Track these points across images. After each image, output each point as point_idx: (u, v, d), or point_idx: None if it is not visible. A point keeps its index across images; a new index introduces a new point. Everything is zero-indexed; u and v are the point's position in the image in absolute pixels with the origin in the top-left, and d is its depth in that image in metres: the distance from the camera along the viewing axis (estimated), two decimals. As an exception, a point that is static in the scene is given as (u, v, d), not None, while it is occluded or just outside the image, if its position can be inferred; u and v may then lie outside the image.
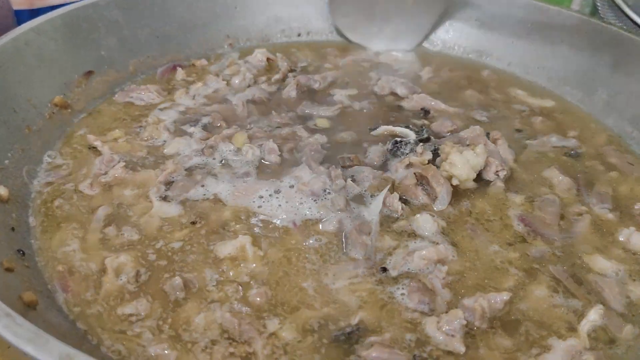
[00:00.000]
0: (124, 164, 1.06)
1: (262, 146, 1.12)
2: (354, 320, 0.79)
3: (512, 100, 1.42)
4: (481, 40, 1.59)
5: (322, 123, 1.26)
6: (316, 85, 1.39)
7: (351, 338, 0.77)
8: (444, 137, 1.19)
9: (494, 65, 1.56)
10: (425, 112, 1.30)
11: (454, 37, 1.62)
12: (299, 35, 1.64)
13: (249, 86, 1.37)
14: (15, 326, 0.56)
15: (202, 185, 1.03)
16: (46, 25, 1.20)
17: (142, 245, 0.91)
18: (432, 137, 1.16)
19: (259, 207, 0.98)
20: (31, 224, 0.95)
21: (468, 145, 1.07)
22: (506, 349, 0.78)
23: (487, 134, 1.16)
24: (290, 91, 1.36)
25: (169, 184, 1.03)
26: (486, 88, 1.45)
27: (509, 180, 1.10)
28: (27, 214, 0.97)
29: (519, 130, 1.28)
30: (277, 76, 1.41)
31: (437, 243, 0.93)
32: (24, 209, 0.97)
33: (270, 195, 1.01)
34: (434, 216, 0.98)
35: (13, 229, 0.91)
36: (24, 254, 0.87)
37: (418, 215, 0.97)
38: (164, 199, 1.00)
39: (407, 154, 1.09)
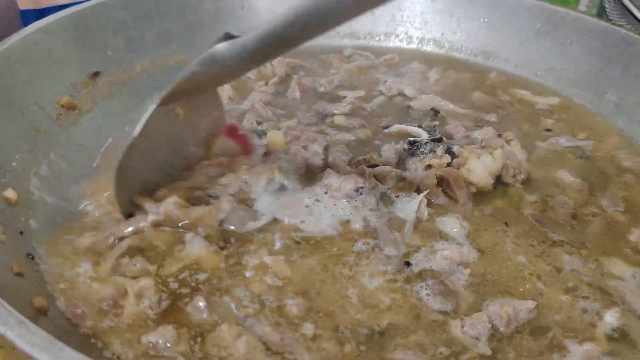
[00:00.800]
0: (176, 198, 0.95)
1: (307, 148, 1.11)
2: (384, 323, 0.79)
3: (521, 101, 1.41)
4: (489, 42, 1.58)
5: (340, 120, 1.26)
6: (322, 89, 1.38)
7: (384, 341, 0.77)
8: (455, 138, 1.18)
9: (502, 67, 1.55)
10: (435, 113, 1.30)
11: (461, 38, 1.61)
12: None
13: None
14: (29, 334, 0.55)
15: (256, 210, 0.98)
16: (54, 26, 1.19)
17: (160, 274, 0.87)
18: (444, 138, 1.16)
19: (302, 221, 0.95)
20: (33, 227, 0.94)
21: (483, 146, 1.06)
22: (530, 352, 0.78)
23: (499, 135, 1.15)
24: (293, 93, 1.35)
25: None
26: (494, 90, 1.45)
27: (524, 181, 1.10)
28: (37, 217, 0.96)
29: (544, 130, 1.29)
30: (274, 79, 1.40)
31: (461, 245, 0.93)
32: (33, 212, 0.96)
33: (308, 205, 0.99)
34: (458, 218, 0.98)
35: (22, 232, 0.90)
36: (33, 258, 0.86)
37: (444, 217, 0.98)
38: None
39: (427, 154, 1.09)
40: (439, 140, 1.15)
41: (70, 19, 1.23)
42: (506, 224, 0.99)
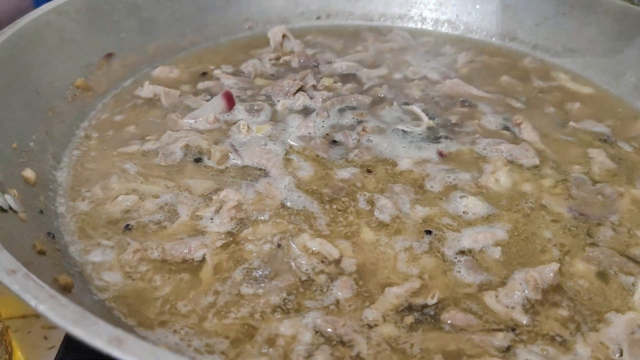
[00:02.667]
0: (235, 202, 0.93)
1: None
2: (434, 298, 0.79)
3: (551, 86, 1.39)
4: (505, 23, 1.56)
5: (328, 82, 1.30)
6: (326, 65, 1.40)
7: (437, 314, 0.78)
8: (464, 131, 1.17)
9: (518, 49, 1.53)
10: (464, 102, 1.27)
11: (476, 19, 1.58)
12: (318, 18, 1.61)
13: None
14: (61, 308, 0.54)
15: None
16: (67, 6, 1.18)
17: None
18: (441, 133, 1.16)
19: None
20: (58, 210, 0.94)
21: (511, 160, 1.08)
22: (565, 320, 0.78)
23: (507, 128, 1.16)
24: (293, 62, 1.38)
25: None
26: (527, 74, 1.42)
27: (545, 162, 1.09)
28: (55, 197, 0.95)
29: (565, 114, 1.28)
30: (287, 57, 1.40)
31: (491, 226, 0.92)
32: (51, 192, 0.95)
33: None
34: (484, 201, 0.97)
35: (41, 212, 0.89)
36: (54, 237, 0.85)
37: (472, 198, 0.97)
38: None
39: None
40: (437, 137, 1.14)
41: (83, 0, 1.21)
42: (529, 201, 0.98)
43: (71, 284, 0.74)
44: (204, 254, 0.84)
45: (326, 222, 0.91)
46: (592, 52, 1.43)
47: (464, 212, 0.95)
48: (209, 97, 1.22)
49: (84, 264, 0.83)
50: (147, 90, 1.23)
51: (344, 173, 1.01)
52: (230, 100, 1.16)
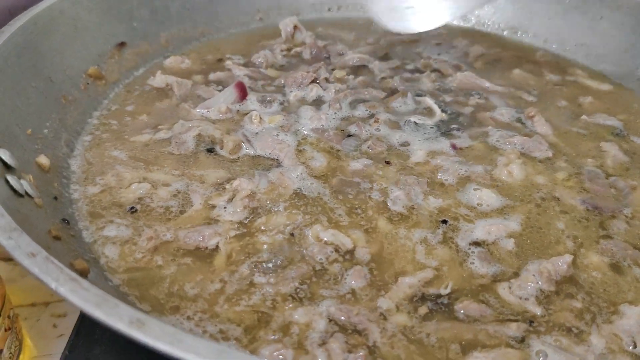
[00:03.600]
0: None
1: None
2: (447, 289, 0.79)
3: (564, 81, 1.38)
4: (517, 16, 1.55)
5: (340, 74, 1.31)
6: (337, 57, 1.39)
7: (450, 304, 0.78)
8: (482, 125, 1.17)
9: (530, 42, 1.53)
10: (475, 95, 1.27)
11: (488, 12, 1.58)
12: (329, 9, 1.61)
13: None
14: (82, 290, 0.54)
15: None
16: (79, -5, 1.18)
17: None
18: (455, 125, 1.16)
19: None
20: (72, 196, 0.94)
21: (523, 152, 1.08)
22: (579, 311, 0.78)
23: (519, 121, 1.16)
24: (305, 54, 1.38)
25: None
26: (539, 68, 1.42)
27: (558, 155, 1.08)
28: (69, 184, 0.95)
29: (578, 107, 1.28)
30: (298, 49, 1.40)
31: (505, 218, 0.92)
32: (65, 179, 0.95)
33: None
34: (498, 193, 0.97)
35: (56, 198, 0.90)
36: (68, 222, 0.86)
37: (485, 190, 0.97)
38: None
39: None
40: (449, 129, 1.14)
41: (95, -12, 1.22)
42: (542, 194, 0.98)
43: (87, 269, 0.74)
44: (217, 242, 0.84)
45: (339, 213, 0.91)
46: (605, 46, 1.42)
47: (477, 204, 0.95)
48: (220, 87, 1.23)
49: (97, 250, 0.83)
50: (159, 80, 1.23)
51: (357, 164, 1.01)
52: (242, 91, 1.16)
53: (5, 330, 0.86)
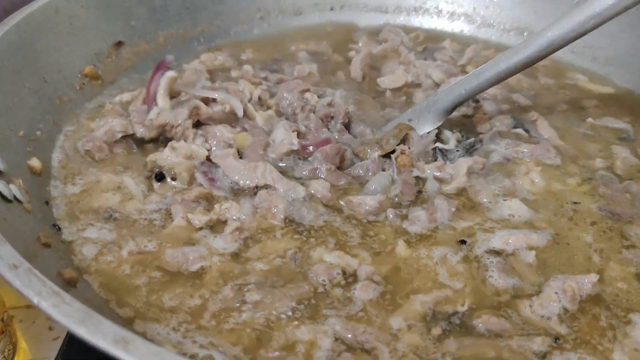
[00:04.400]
0: None
1: None
2: (464, 306, 0.76)
3: (562, 83, 1.35)
4: (523, 17, 1.52)
5: None
6: None
7: (467, 322, 0.74)
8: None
9: (536, 44, 1.49)
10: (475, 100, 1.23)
11: (494, 13, 1.55)
12: (331, 9, 1.58)
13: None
14: (65, 305, 0.52)
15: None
16: (76, -8, 1.16)
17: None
18: (476, 143, 1.11)
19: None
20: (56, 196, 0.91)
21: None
22: (603, 329, 0.75)
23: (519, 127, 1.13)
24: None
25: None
26: (534, 71, 1.38)
27: (566, 160, 1.06)
28: (56, 185, 0.93)
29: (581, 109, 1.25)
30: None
31: (528, 228, 0.89)
32: (54, 180, 0.93)
33: None
34: (523, 205, 0.93)
35: (47, 202, 0.87)
36: (59, 228, 0.83)
37: (510, 201, 0.94)
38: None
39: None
40: (472, 146, 1.09)
41: (94, -15, 1.19)
42: (562, 202, 0.96)
43: (76, 278, 0.72)
44: (202, 266, 0.79)
45: (344, 237, 0.86)
46: (614, 49, 1.39)
47: (509, 215, 0.91)
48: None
49: (79, 254, 0.81)
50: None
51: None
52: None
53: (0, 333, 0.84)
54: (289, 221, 0.88)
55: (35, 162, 0.90)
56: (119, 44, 1.24)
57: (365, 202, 0.91)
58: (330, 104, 1.11)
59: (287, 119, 1.08)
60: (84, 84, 1.13)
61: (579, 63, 1.43)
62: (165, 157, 0.94)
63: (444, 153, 1.06)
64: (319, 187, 0.93)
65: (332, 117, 1.09)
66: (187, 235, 0.84)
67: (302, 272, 0.79)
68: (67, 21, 1.12)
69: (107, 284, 0.76)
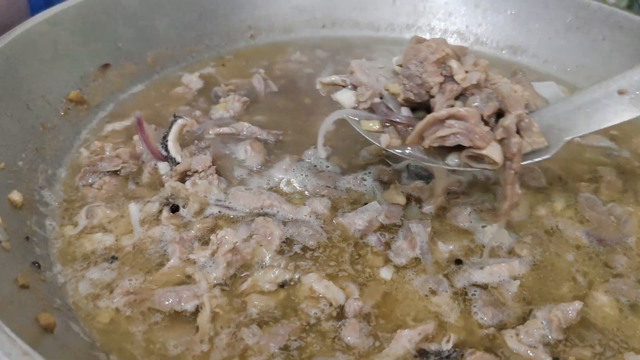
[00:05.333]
0: None
1: None
2: (449, 343, 0.75)
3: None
4: (516, 35, 1.50)
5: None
6: None
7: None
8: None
9: (529, 63, 1.48)
10: None
11: (486, 30, 1.53)
12: (323, 26, 1.56)
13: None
14: (34, 368, 0.51)
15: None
16: (61, 16, 1.14)
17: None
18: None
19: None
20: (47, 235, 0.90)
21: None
22: (590, 358, 0.75)
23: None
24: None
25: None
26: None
27: (552, 182, 1.05)
28: (43, 221, 0.91)
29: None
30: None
31: (512, 258, 0.89)
32: (39, 216, 0.91)
33: None
34: (506, 230, 0.93)
35: (27, 238, 0.85)
36: (39, 266, 0.82)
37: (491, 227, 0.93)
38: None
39: None
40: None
41: (78, 9, 1.17)
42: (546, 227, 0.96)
43: (53, 323, 0.70)
44: (197, 305, 0.79)
45: (334, 262, 0.87)
46: (607, 69, 1.37)
47: (490, 240, 0.91)
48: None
49: (70, 297, 0.80)
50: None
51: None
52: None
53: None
54: (283, 242, 0.89)
55: (15, 196, 0.89)
56: (105, 66, 1.22)
57: (354, 221, 0.92)
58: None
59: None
60: (69, 109, 1.12)
61: (573, 82, 1.42)
62: (185, 188, 0.96)
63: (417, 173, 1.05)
64: (320, 206, 0.95)
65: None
66: (182, 272, 0.84)
67: (293, 305, 0.80)
68: (51, 46, 1.11)
69: (95, 328, 0.76)
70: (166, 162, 1.01)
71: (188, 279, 0.83)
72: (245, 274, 0.84)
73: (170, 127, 1.04)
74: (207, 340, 0.74)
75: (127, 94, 1.25)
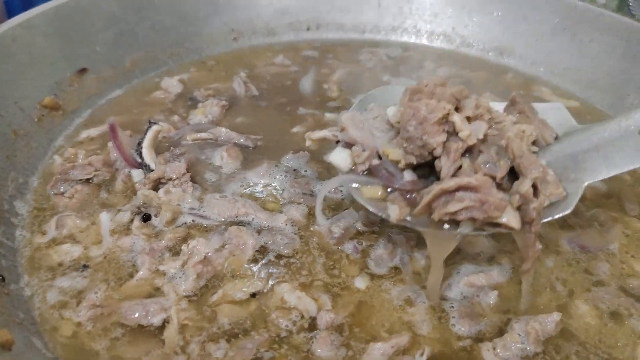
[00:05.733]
0: None
1: None
2: (423, 356, 0.73)
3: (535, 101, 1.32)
4: (503, 37, 1.48)
5: None
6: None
7: None
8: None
9: (516, 65, 1.46)
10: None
11: (473, 32, 1.51)
12: (307, 29, 1.54)
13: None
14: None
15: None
16: (36, 20, 1.12)
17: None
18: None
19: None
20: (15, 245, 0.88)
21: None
22: None
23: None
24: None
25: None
26: (507, 90, 1.35)
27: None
28: (13, 232, 0.89)
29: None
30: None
31: (491, 267, 0.87)
32: (8, 226, 0.89)
33: None
34: (488, 239, 0.91)
35: (-7, 250, 0.84)
36: (4, 279, 0.79)
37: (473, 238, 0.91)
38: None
39: None
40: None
41: (54, 12, 1.15)
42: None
43: (11, 340, 0.68)
44: (164, 319, 0.77)
45: (306, 272, 0.85)
46: (594, 71, 1.35)
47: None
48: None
49: (36, 309, 0.78)
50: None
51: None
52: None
53: None
54: (257, 251, 0.87)
55: (-19, 206, 0.87)
56: (82, 70, 1.20)
57: (331, 228, 0.90)
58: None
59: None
60: (43, 115, 1.09)
61: (562, 85, 1.40)
62: (158, 196, 0.93)
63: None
64: (296, 213, 0.93)
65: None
66: (151, 284, 0.82)
67: (263, 316, 0.78)
68: (25, 50, 1.09)
69: (58, 342, 0.74)
70: (140, 170, 0.99)
71: (157, 292, 0.81)
72: (216, 283, 0.82)
73: (145, 134, 1.02)
74: (175, 352, 0.72)
75: (105, 99, 1.23)
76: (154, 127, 1.03)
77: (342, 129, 0.84)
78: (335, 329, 0.77)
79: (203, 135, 1.09)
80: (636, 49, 1.29)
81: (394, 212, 0.77)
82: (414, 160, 0.77)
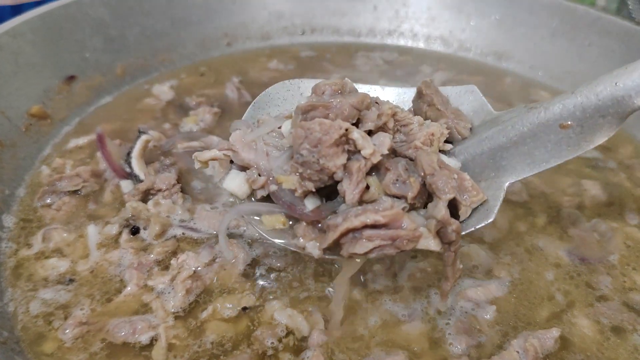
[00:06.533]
0: None
1: None
2: None
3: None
4: (501, 41, 1.46)
5: None
6: None
7: None
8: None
9: (514, 69, 1.44)
10: None
11: (470, 36, 1.49)
12: (302, 33, 1.52)
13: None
14: None
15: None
16: (23, 27, 1.09)
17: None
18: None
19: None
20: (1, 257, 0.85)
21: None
22: None
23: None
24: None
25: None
26: (507, 96, 1.33)
27: (534, 198, 1.01)
28: (-3, 246, 0.87)
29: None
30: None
31: (489, 280, 0.85)
32: (-10, 240, 0.87)
33: None
34: (484, 250, 0.89)
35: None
36: (-13, 297, 0.77)
37: (468, 246, 0.89)
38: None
39: None
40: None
41: (41, 19, 1.13)
42: (527, 245, 0.92)
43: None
44: (152, 337, 0.74)
45: (297, 283, 0.83)
46: (594, 75, 1.32)
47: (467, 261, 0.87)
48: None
49: (19, 322, 0.76)
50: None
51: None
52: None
53: None
54: (248, 265, 0.84)
55: (-35, 220, 0.84)
56: (71, 78, 1.18)
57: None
58: None
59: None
60: (30, 124, 1.07)
61: (561, 88, 1.37)
62: (147, 208, 0.91)
63: None
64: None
65: None
66: (139, 300, 0.79)
67: (253, 334, 0.76)
68: (11, 58, 1.06)
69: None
70: (129, 180, 0.97)
71: (144, 308, 0.78)
72: (206, 299, 0.80)
73: (134, 143, 1.00)
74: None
75: (94, 106, 1.21)
76: (143, 137, 1.00)
77: (233, 151, 0.72)
78: (327, 348, 0.74)
79: (194, 144, 1.07)
80: (636, 52, 1.26)
81: (313, 247, 0.67)
82: (311, 187, 0.66)
